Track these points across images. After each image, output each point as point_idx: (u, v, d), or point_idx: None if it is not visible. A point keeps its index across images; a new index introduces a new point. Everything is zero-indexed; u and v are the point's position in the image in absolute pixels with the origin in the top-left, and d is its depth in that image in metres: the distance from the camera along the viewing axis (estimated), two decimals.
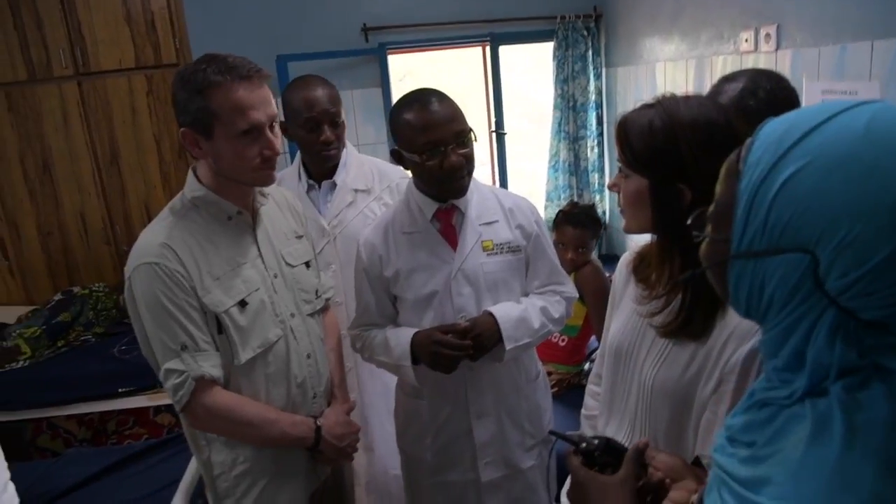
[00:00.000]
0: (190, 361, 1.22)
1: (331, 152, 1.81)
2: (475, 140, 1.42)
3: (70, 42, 2.94)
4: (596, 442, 0.87)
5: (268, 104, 1.23)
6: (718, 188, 0.66)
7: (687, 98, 1.01)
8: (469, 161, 1.41)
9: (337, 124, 1.80)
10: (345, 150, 1.89)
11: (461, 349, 1.40)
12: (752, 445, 0.61)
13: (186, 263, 1.22)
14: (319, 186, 1.89)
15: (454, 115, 1.37)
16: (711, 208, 0.67)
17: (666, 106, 0.99)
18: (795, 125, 0.58)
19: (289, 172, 1.94)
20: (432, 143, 1.35)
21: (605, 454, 0.87)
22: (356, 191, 1.88)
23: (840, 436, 0.54)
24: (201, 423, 1.29)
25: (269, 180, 1.30)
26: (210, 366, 1.23)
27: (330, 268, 1.86)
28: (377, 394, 1.92)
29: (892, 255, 0.52)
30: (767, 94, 1.29)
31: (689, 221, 0.70)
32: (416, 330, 1.46)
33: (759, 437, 0.61)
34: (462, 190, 1.45)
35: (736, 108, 1.27)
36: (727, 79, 1.36)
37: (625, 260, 1.21)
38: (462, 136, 1.38)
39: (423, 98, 1.38)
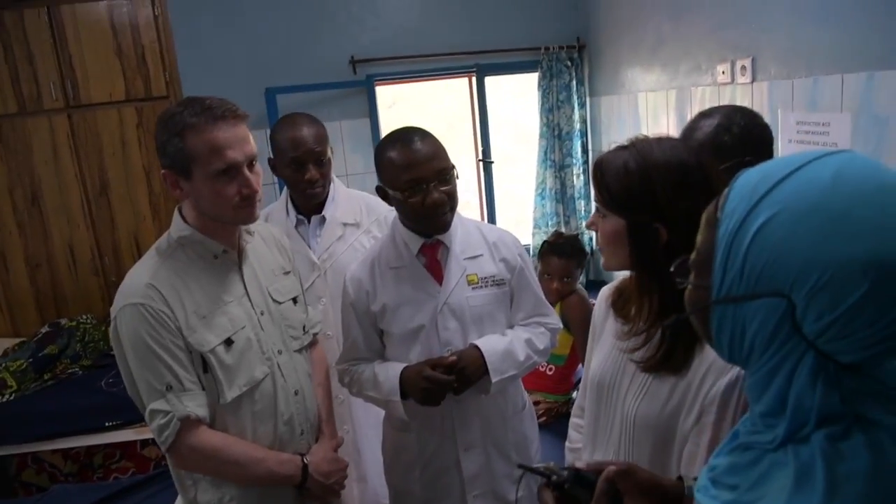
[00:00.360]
0: (175, 402, 1.22)
1: (315, 191, 1.83)
2: (457, 177, 1.45)
3: (61, 75, 2.98)
4: (565, 474, 0.86)
5: (245, 143, 1.24)
6: (699, 237, 0.67)
7: (659, 140, 1.04)
8: (451, 198, 1.44)
9: (322, 163, 1.82)
10: (332, 184, 1.91)
11: (446, 384, 1.41)
12: (736, 489, 0.62)
13: (172, 303, 1.23)
14: (308, 221, 1.91)
15: (436, 154, 1.40)
16: (693, 256, 0.68)
17: (640, 148, 1.02)
18: (767, 175, 0.60)
19: (276, 207, 1.96)
20: (414, 180, 1.38)
21: (576, 485, 0.85)
22: (345, 224, 1.90)
23: (822, 486, 0.55)
24: (187, 463, 1.29)
25: (249, 218, 1.31)
26: (195, 405, 1.23)
27: (320, 301, 1.87)
28: (370, 425, 1.92)
29: (864, 297, 0.54)
30: (741, 130, 1.33)
31: (672, 269, 0.72)
32: (404, 365, 1.47)
33: (742, 481, 0.62)
34: (444, 226, 1.47)
35: (711, 144, 1.31)
36: (703, 115, 1.40)
37: (603, 294, 1.23)
38: (444, 173, 1.41)
39: (405, 137, 1.41)
